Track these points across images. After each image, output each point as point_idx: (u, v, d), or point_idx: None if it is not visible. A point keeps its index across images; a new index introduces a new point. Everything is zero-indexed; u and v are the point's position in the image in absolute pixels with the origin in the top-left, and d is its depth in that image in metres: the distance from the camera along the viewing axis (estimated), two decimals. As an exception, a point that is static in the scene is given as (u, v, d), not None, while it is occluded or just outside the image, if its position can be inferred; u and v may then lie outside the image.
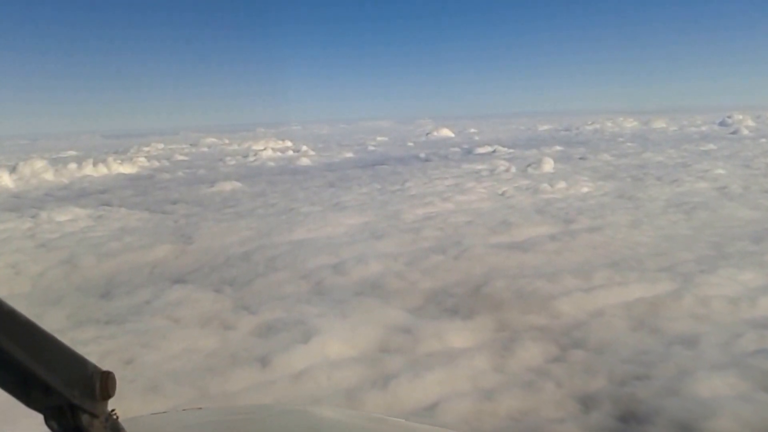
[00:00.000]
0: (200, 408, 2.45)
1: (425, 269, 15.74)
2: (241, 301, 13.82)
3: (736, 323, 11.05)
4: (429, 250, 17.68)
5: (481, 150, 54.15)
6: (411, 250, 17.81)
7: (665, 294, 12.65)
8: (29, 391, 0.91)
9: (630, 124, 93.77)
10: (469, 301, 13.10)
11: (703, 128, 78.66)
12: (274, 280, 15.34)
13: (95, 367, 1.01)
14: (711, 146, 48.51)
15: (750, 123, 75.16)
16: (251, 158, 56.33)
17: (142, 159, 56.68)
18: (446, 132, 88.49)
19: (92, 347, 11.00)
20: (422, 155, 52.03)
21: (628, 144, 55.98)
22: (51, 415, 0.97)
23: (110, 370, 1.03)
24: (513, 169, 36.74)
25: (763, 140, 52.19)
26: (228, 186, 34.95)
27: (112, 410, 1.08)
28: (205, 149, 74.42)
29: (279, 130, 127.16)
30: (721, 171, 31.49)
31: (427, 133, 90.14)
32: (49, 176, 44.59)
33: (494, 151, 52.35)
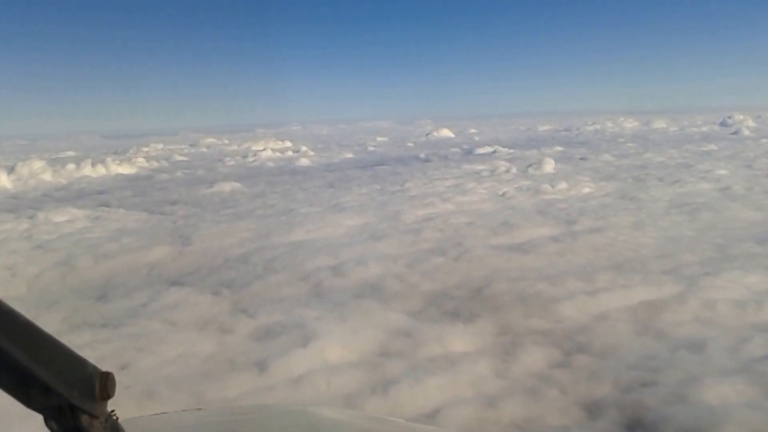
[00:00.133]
0: (199, 409, 2.42)
1: (425, 271, 15.54)
2: (239, 303, 13.62)
3: (743, 327, 10.84)
4: (429, 251, 17.48)
5: (481, 150, 53.98)
6: (411, 252, 17.61)
7: (670, 297, 12.45)
8: (29, 391, 0.91)
9: (630, 124, 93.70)
10: (470, 304, 12.89)
11: (704, 128, 78.52)
12: (272, 282, 15.13)
13: (95, 367, 1.00)
14: (712, 147, 48.34)
15: (751, 123, 75.06)
16: (250, 159, 56.15)
17: (141, 159, 56.46)
18: (446, 132, 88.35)
19: (87, 351, 10.76)
20: (422, 156, 51.84)
21: (629, 144, 55.81)
22: (51, 416, 0.96)
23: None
24: (513, 170, 36.56)
25: (765, 140, 52.02)
26: (227, 187, 34.75)
27: (112, 411, 1.07)
28: (205, 150, 74.23)
29: (279, 131, 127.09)
30: (723, 171, 31.31)
31: (427, 134, 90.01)
32: (47, 177, 44.40)
33: (494, 152, 52.17)
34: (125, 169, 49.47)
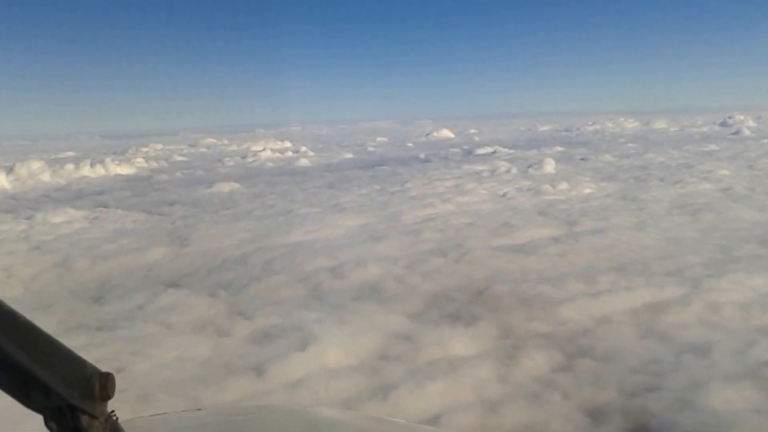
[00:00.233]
0: (199, 409, 2.39)
1: (426, 273, 15.37)
2: (236, 306, 13.45)
3: (749, 331, 10.68)
4: (429, 252, 17.31)
5: (481, 151, 53.80)
6: (411, 253, 17.43)
7: (674, 300, 12.29)
8: (29, 392, 0.91)
9: (631, 124, 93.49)
10: (471, 307, 12.72)
11: (704, 129, 78.35)
12: (270, 284, 14.95)
13: (94, 368, 0.99)
14: (713, 147, 48.16)
15: (751, 123, 74.85)
16: (250, 159, 55.97)
17: (140, 160, 56.23)
18: (446, 132, 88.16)
19: (82, 354, 10.61)
20: (422, 156, 51.68)
21: (630, 145, 55.64)
22: (50, 416, 0.96)
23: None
24: (514, 170, 36.38)
25: (765, 141, 51.82)
26: (226, 187, 34.57)
27: (112, 411, 1.07)
28: (204, 150, 74.02)
29: (278, 131, 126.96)
30: (725, 172, 31.13)
31: (427, 134, 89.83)
32: (46, 177, 44.22)
33: (494, 152, 51.99)
34: (124, 170, 49.28)
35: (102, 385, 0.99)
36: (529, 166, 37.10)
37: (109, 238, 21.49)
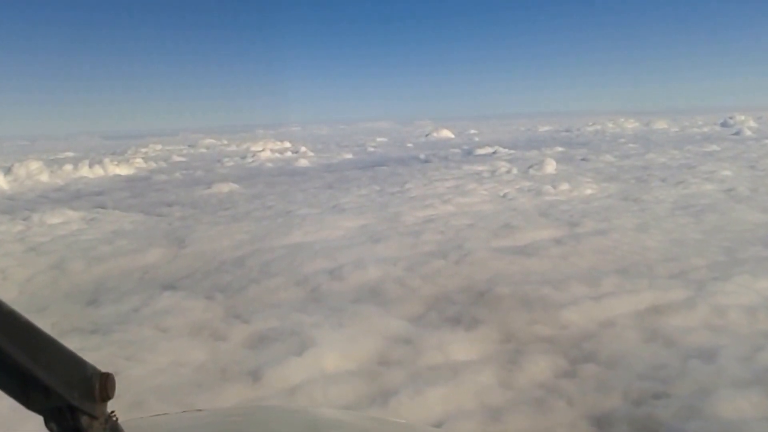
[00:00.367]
0: (200, 410, 2.38)
1: (426, 275, 15.14)
2: (233, 309, 13.22)
3: (756, 335, 10.45)
4: (429, 254, 17.08)
5: (481, 151, 53.60)
6: (411, 254, 17.21)
7: (678, 303, 12.05)
8: (29, 392, 0.91)
9: (631, 125, 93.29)
10: (472, 310, 12.48)
11: (705, 129, 78.15)
12: (268, 286, 14.72)
13: (94, 368, 1.00)
14: (714, 147, 47.94)
15: (752, 124, 74.63)
16: (249, 159, 55.76)
17: (139, 160, 56.03)
18: (446, 133, 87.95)
19: (76, 359, 10.39)
20: (422, 156, 51.46)
21: (630, 145, 55.41)
22: (50, 417, 0.96)
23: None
24: (514, 171, 36.16)
25: (767, 141, 51.61)
26: (225, 188, 34.34)
27: (112, 412, 1.07)
28: (204, 150, 73.78)
29: (278, 131, 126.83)
30: (727, 173, 30.89)
31: (427, 134, 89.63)
32: (44, 178, 44.01)
33: (495, 152, 51.78)
34: (123, 170, 49.06)
35: (102, 385, 0.99)
36: (530, 167, 36.87)
37: (106, 239, 21.26)
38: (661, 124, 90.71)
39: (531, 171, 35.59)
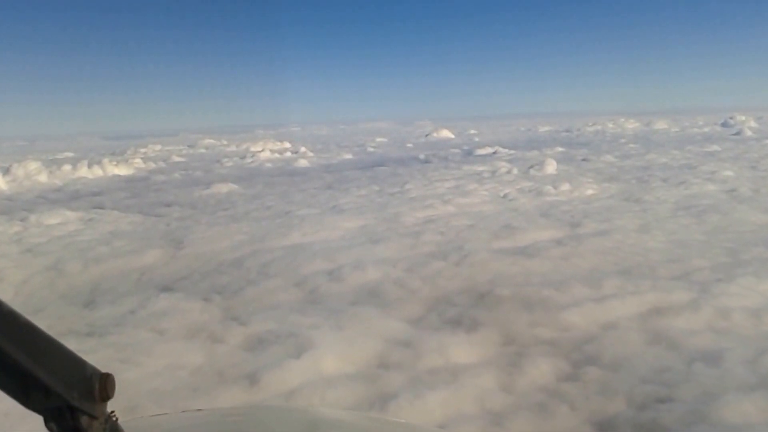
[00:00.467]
0: (199, 410, 2.35)
1: (426, 276, 14.99)
2: (230, 311, 13.05)
3: (761, 337, 10.30)
4: (429, 255, 16.92)
5: (481, 151, 53.45)
6: (411, 256, 17.05)
7: (682, 305, 11.88)
8: (29, 392, 0.91)
9: (631, 125, 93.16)
10: (473, 311, 12.32)
11: (706, 129, 78.00)
12: (266, 287, 14.56)
13: (94, 368, 1.00)
14: (715, 147, 47.78)
15: (753, 124, 74.48)
16: (249, 160, 55.60)
17: (139, 160, 55.86)
18: (446, 133, 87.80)
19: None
20: (422, 157, 51.30)
21: (631, 145, 55.25)
22: (50, 417, 0.97)
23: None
24: (515, 171, 36.00)
25: (768, 141, 51.46)
26: (224, 188, 34.17)
27: (111, 412, 1.06)
28: (203, 150, 73.61)
29: (278, 132, 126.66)
30: (728, 173, 30.73)
31: (427, 135, 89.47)
32: (42, 178, 43.83)
33: (495, 153, 51.63)
34: (122, 171, 48.89)
35: (102, 385, 0.99)
36: (531, 167, 36.71)
37: (104, 240, 21.10)
38: (661, 125, 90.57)
39: (531, 171, 35.43)
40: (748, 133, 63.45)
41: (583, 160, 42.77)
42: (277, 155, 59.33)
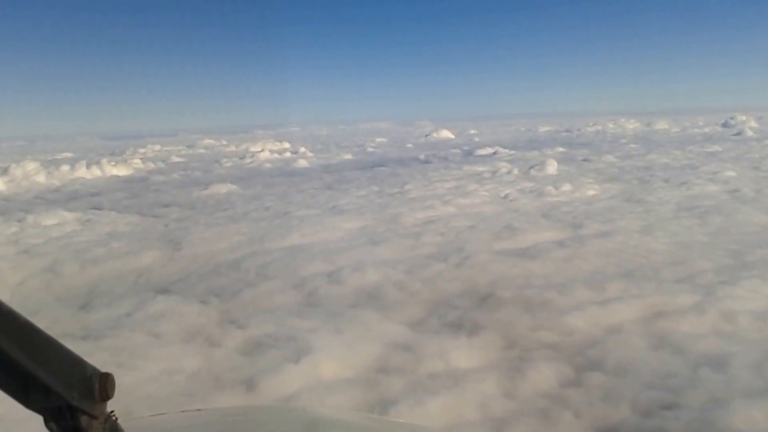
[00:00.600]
0: (199, 410, 2.34)
1: (426, 278, 14.80)
2: (228, 313, 12.87)
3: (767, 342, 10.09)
4: (430, 256, 16.74)
5: (481, 151, 53.29)
6: (411, 257, 16.88)
7: (686, 308, 11.69)
8: (28, 392, 0.91)
9: (632, 125, 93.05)
10: (474, 314, 12.13)
11: (706, 129, 77.84)
12: (264, 290, 14.37)
13: (94, 368, 1.00)
14: (716, 148, 47.60)
15: (753, 124, 74.36)
16: (248, 160, 55.42)
17: (137, 161, 55.69)
18: (446, 133, 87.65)
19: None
20: (422, 157, 51.12)
21: (632, 145, 55.07)
22: (50, 417, 0.97)
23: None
24: (515, 171, 35.81)
25: (769, 142, 51.26)
26: (222, 188, 33.98)
27: (111, 411, 1.06)
28: (203, 151, 73.44)
29: (277, 132, 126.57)
30: (730, 173, 30.52)
31: (427, 135, 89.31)
32: (41, 178, 43.66)
33: (495, 153, 51.46)
34: (121, 171, 48.72)
35: (102, 385, 0.99)
36: (531, 167, 36.53)
37: (101, 241, 20.92)
38: (661, 125, 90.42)
39: (532, 172, 35.24)
40: (749, 133, 63.30)
41: (584, 160, 42.59)
42: (276, 155, 59.14)
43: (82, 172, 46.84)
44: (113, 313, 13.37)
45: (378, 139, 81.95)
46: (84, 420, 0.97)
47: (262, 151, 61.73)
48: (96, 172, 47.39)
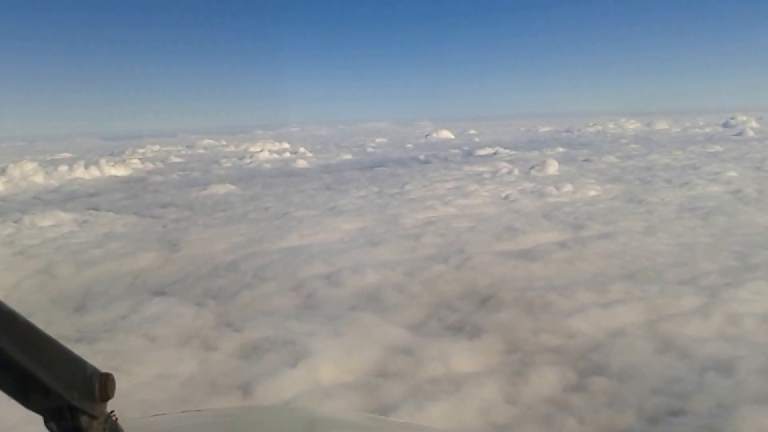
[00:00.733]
0: (199, 410, 2.33)
1: (426, 280, 14.60)
2: (225, 316, 12.67)
3: (774, 345, 9.88)
4: (430, 258, 16.54)
5: (481, 152, 53.10)
6: (410, 259, 16.68)
7: (691, 310, 11.49)
8: (29, 392, 0.91)
9: (632, 125, 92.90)
10: (475, 317, 11.93)
11: (707, 130, 77.64)
12: (262, 292, 14.17)
13: (94, 368, 1.00)
14: (717, 148, 47.42)
15: (754, 124, 74.18)
16: (247, 160, 55.22)
17: (136, 161, 55.49)
18: (446, 133, 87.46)
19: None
20: (422, 157, 50.93)
21: (632, 146, 54.88)
22: (50, 417, 0.97)
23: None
24: (516, 172, 35.61)
25: (770, 142, 51.05)
26: (221, 189, 33.77)
27: (111, 411, 1.06)
28: (202, 151, 73.22)
29: (277, 132, 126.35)
30: (732, 173, 30.32)
31: (427, 135, 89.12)
32: (39, 179, 43.44)
33: (495, 153, 51.27)
34: (119, 171, 48.52)
35: (102, 385, 0.98)
36: (532, 168, 36.33)
37: (97, 242, 20.71)
38: (662, 125, 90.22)
39: (533, 172, 35.04)
40: (750, 133, 63.14)
41: (585, 160, 42.39)
42: (275, 156, 58.95)
43: (81, 172, 46.63)
44: (108, 315, 13.18)
45: (378, 140, 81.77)
46: (84, 420, 0.97)
47: (261, 151, 61.52)
48: (94, 172, 47.19)
